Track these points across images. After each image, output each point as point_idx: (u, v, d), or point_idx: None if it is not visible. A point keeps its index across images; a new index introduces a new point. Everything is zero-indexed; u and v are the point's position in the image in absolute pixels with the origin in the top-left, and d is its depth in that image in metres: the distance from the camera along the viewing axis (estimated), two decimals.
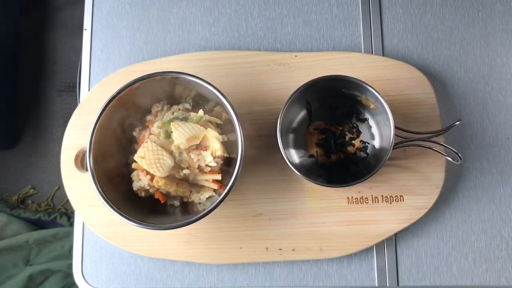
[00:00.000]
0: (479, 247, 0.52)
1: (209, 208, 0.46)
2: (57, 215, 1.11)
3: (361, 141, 0.53)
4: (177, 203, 0.52)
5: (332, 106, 0.54)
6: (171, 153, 0.49)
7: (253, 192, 0.54)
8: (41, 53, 1.29)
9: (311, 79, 0.50)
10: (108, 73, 0.59)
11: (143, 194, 0.51)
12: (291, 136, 0.54)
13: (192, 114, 0.51)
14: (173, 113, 0.52)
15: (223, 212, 0.54)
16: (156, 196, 0.51)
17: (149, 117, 0.54)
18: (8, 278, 0.98)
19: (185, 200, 0.51)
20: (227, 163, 0.51)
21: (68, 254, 1.01)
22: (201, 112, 0.51)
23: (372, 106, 0.51)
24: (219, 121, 0.53)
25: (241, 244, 0.53)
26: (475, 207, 0.53)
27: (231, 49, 0.59)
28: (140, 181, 0.50)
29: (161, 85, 0.51)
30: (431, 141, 0.49)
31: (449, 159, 0.49)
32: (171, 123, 0.48)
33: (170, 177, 0.49)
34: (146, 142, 0.49)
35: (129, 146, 0.53)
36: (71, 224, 1.09)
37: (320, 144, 0.53)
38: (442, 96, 0.55)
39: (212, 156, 0.49)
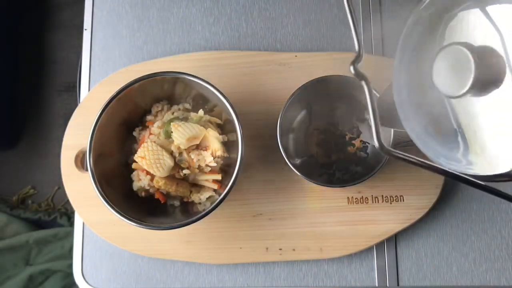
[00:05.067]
0: (479, 247, 0.52)
1: (209, 208, 0.46)
2: (57, 215, 1.11)
3: (361, 141, 0.53)
4: (177, 203, 0.52)
5: (332, 106, 0.54)
6: (171, 153, 0.49)
7: (253, 192, 0.54)
8: (41, 53, 1.29)
9: (311, 79, 0.50)
10: (108, 73, 0.59)
11: (143, 194, 0.51)
12: (291, 136, 0.54)
13: (192, 114, 0.51)
14: (173, 113, 0.52)
15: (223, 212, 0.54)
16: (156, 196, 0.51)
17: (149, 117, 0.54)
18: (8, 278, 0.98)
19: (185, 200, 0.51)
20: (227, 163, 0.51)
21: (68, 254, 1.01)
22: (201, 112, 0.51)
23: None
24: (219, 121, 0.53)
25: (241, 244, 0.53)
26: (475, 207, 0.53)
27: (231, 49, 0.59)
28: (140, 181, 0.50)
29: (161, 85, 0.51)
30: None
31: None
32: (171, 123, 0.48)
33: (170, 177, 0.49)
34: (146, 142, 0.49)
35: (129, 146, 0.53)
36: (71, 224, 1.09)
37: (320, 144, 0.53)
38: None
39: (212, 156, 0.49)
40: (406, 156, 0.31)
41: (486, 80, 0.27)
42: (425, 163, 0.30)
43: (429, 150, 0.34)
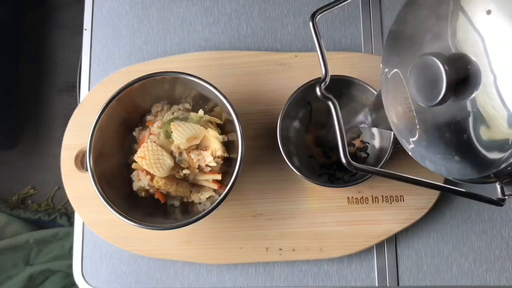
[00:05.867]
0: (479, 247, 0.52)
1: (209, 208, 0.46)
2: (57, 215, 1.11)
3: (361, 141, 0.53)
4: (177, 203, 0.52)
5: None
6: (171, 153, 0.49)
7: (253, 192, 0.54)
8: (41, 53, 1.29)
9: (311, 79, 0.50)
10: (108, 73, 0.59)
11: (143, 194, 0.51)
12: (291, 136, 0.54)
13: (192, 114, 0.51)
14: (173, 113, 0.52)
15: (223, 212, 0.54)
16: (156, 196, 0.51)
17: (149, 117, 0.54)
18: (8, 278, 0.98)
19: (185, 200, 0.51)
20: (227, 163, 0.51)
21: (68, 254, 1.02)
22: (201, 112, 0.51)
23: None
24: (219, 121, 0.53)
25: (241, 244, 0.53)
26: (475, 207, 0.53)
27: (231, 49, 0.59)
28: (140, 181, 0.50)
29: (161, 85, 0.51)
30: None
31: None
32: (171, 123, 0.48)
33: (170, 177, 0.49)
34: (146, 142, 0.49)
35: (129, 146, 0.53)
36: (71, 224, 1.09)
37: (320, 144, 0.53)
38: None
39: (212, 156, 0.49)
40: (374, 169, 0.32)
41: (460, 87, 0.28)
42: (395, 175, 0.32)
43: (415, 153, 0.35)
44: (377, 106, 0.39)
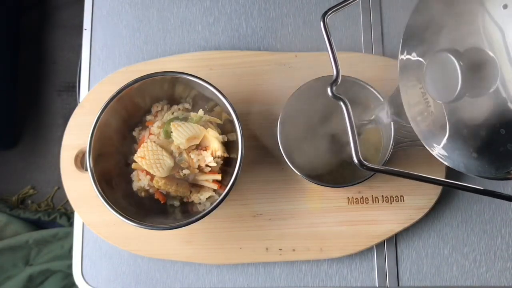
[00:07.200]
0: (479, 247, 0.52)
1: (209, 208, 0.46)
2: (57, 215, 1.11)
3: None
4: (177, 203, 0.52)
5: (332, 106, 0.54)
6: (171, 153, 0.49)
7: (253, 192, 0.54)
8: (41, 53, 1.29)
9: (311, 79, 0.50)
10: (108, 73, 0.59)
11: (143, 194, 0.51)
12: (291, 136, 0.54)
13: (192, 114, 0.51)
14: (173, 113, 0.52)
15: (223, 212, 0.54)
16: (156, 196, 0.51)
17: (149, 117, 0.53)
18: (8, 278, 0.98)
19: (185, 200, 0.51)
20: (227, 163, 0.51)
21: (68, 254, 1.02)
22: (201, 112, 0.51)
23: (372, 106, 0.51)
24: (219, 121, 0.53)
25: (241, 244, 0.53)
26: (476, 207, 0.53)
27: (231, 49, 0.59)
28: (140, 181, 0.50)
29: (161, 85, 0.51)
30: None
31: None
32: (171, 123, 0.48)
33: (170, 177, 0.49)
34: (146, 142, 0.49)
35: (129, 146, 0.53)
36: (71, 224, 1.09)
37: (320, 144, 0.53)
38: None
39: (212, 156, 0.48)
40: (386, 169, 0.32)
41: (476, 83, 0.28)
42: (404, 172, 0.32)
43: (433, 150, 0.34)
44: (396, 100, 0.39)
